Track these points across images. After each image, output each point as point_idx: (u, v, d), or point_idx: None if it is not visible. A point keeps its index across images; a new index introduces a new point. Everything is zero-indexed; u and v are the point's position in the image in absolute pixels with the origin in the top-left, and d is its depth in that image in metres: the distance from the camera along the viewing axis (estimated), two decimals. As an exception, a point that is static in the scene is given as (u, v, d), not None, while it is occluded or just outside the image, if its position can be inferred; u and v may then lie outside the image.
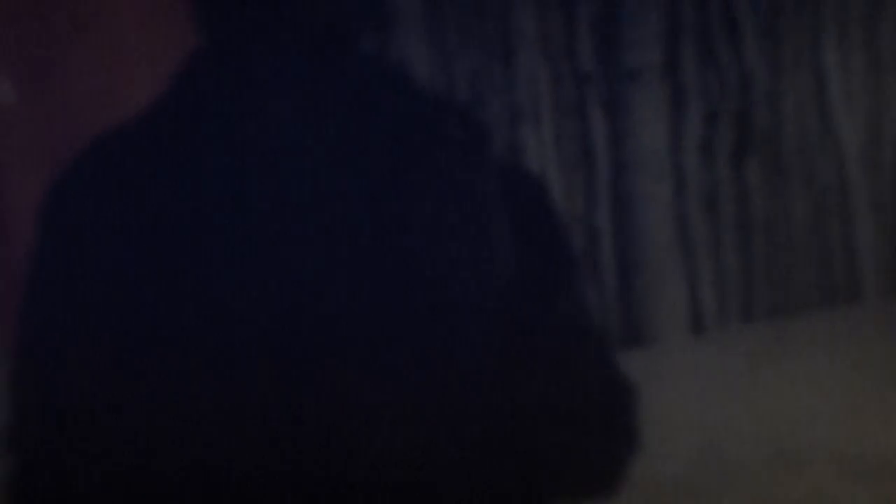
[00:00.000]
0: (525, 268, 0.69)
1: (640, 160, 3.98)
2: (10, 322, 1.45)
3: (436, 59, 3.83)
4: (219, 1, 0.70)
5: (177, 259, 0.69)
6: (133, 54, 2.00)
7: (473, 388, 0.69)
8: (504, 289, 0.66)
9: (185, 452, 0.69)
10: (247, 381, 0.69)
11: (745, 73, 3.93)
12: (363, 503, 0.69)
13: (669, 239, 4.07)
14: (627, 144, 3.97)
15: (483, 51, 3.85)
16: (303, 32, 0.68)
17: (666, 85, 3.91)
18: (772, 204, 4.11)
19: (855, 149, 3.99)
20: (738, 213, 4.10)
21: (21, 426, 0.77)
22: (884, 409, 3.35)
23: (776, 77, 3.93)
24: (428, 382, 0.68)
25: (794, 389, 3.58)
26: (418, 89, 0.77)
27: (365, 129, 0.68)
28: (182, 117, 0.72)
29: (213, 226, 0.69)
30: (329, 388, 0.69)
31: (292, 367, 0.68)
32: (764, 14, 3.84)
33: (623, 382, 0.80)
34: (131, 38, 2.01)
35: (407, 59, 3.73)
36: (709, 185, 4.05)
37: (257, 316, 0.68)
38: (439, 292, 0.65)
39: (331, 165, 0.67)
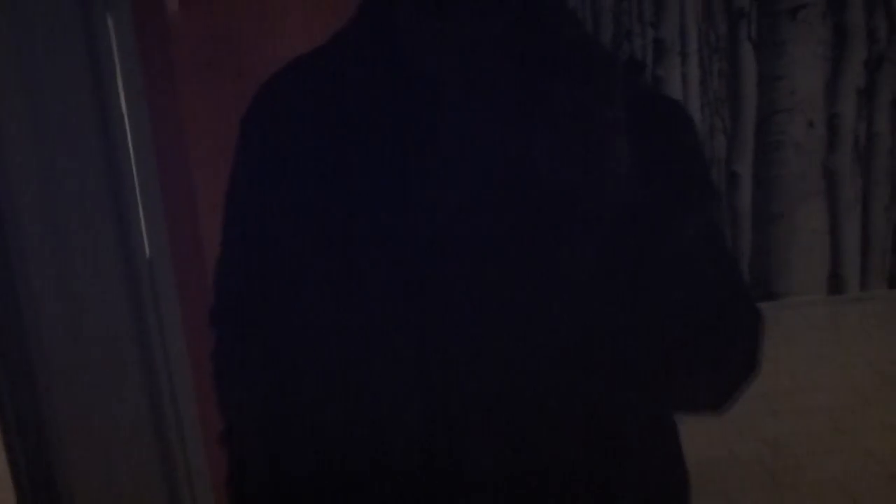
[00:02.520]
0: (656, 190, 0.71)
1: (791, 104, 3.76)
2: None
3: (582, -12, 3.73)
4: None
5: (362, 166, 0.76)
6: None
7: (591, 293, 0.71)
8: (626, 205, 0.68)
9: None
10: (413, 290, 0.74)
11: (919, 15, 3.62)
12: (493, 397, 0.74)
13: (815, 191, 3.86)
14: (779, 87, 3.76)
15: (631, -18, 3.71)
16: None
17: (828, 25, 3.66)
18: (933, 162, 3.82)
19: None
20: (894, 168, 3.83)
21: (221, 306, 0.88)
22: None
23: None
24: (548, 285, 0.71)
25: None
26: (564, 25, 0.80)
27: (512, 59, 0.72)
28: (369, 41, 0.79)
29: (397, 132, 0.75)
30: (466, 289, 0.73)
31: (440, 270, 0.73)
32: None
33: (749, 306, 0.80)
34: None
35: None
36: (864, 137, 3.80)
37: (411, 231, 0.73)
38: (564, 203, 0.68)
39: (482, 87, 0.72)
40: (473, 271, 0.75)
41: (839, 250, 3.97)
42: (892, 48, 3.67)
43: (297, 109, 0.84)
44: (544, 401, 0.77)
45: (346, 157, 0.79)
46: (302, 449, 0.86)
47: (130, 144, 1.58)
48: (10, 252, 1.30)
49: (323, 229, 0.79)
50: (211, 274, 0.94)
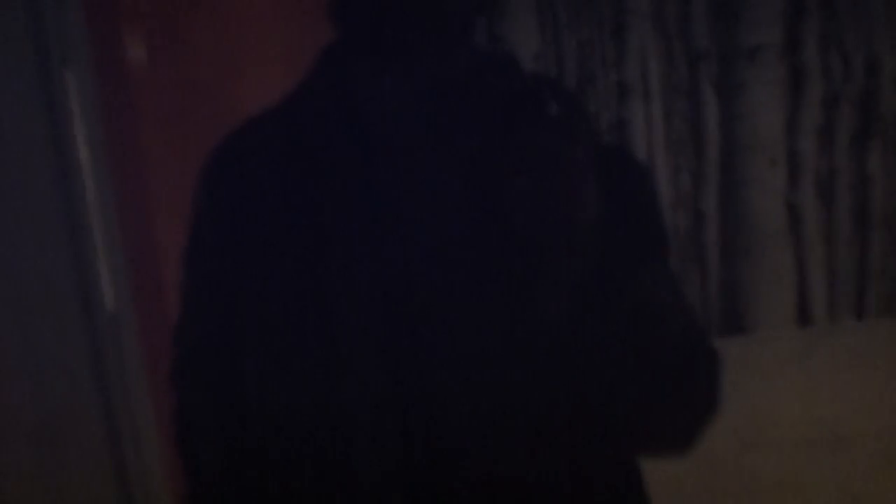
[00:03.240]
0: (615, 243, 0.73)
1: (753, 143, 3.83)
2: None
3: (546, 33, 3.79)
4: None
5: (316, 221, 0.76)
6: (259, 23, 2.07)
7: (558, 338, 0.72)
8: (589, 254, 0.70)
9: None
10: (363, 332, 0.74)
11: (871, 55, 3.73)
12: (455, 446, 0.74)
13: (780, 227, 3.91)
14: (740, 126, 3.83)
15: (594, 25, 3.78)
16: (420, 25, 0.74)
17: (785, 66, 3.75)
18: (892, 195, 3.90)
19: None
20: (856, 203, 3.90)
21: (181, 366, 0.87)
22: None
23: (906, 60, 3.71)
24: (512, 330, 0.72)
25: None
26: (521, 71, 0.83)
27: (472, 107, 0.74)
28: (322, 99, 0.80)
29: (350, 187, 0.76)
30: (435, 326, 0.73)
31: (403, 306, 0.73)
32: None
33: (706, 347, 0.81)
34: (261, 9, 2.08)
35: (518, 33, 3.70)
36: (825, 173, 3.87)
37: (387, 264, 0.74)
38: (536, 247, 0.70)
39: (441, 139, 0.73)
40: (445, 319, 0.75)
41: (806, 284, 4.02)
42: (847, 87, 3.76)
43: (255, 166, 0.84)
44: (511, 443, 0.77)
45: (308, 211, 0.79)
46: None
47: (91, 197, 1.57)
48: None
49: (286, 285, 0.79)
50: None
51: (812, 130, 3.80)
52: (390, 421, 0.75)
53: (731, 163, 3.86)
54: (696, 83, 3.80)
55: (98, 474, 1.60)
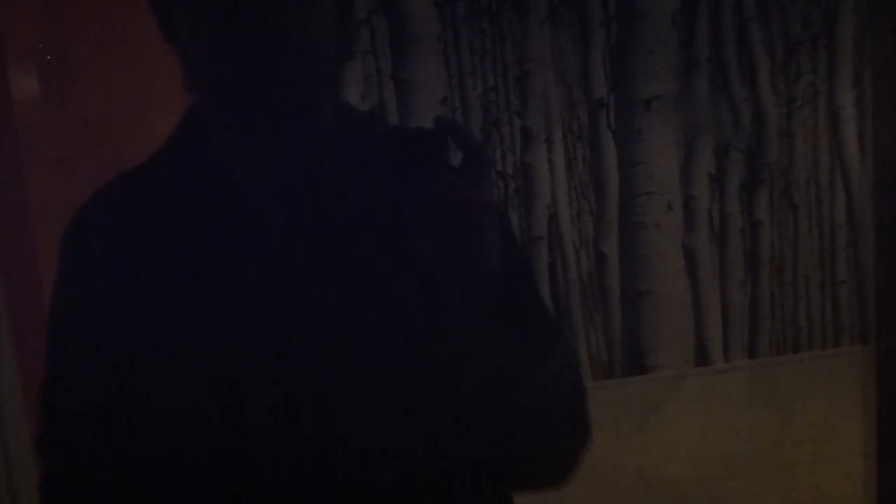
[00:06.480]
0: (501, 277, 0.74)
1: (651, 188, 3.97)
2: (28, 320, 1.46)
3: (452, 78, 3.85)
4: (208, 61, 0.76)
5: (185, 280, 0.74)
6: (153, 68, 2.02)
7: (463, 372, 0.73)
8: (491, 290, 0.71)
9: (189, 454, 0.73)
10: (251, 374, 0.73)
11: (759, 107, 3.93)
12: (353, 482, 0.73)
13: (677, 269, 4.05)
14: (638, 172, 3.97)
15: (498, 72, 3.87)
16: (289, 79, 0.74)
17: (678, 116, 3.92)
18: (780, 239, 4.10)
19: (866, 185, 3.99)
20: (747, 246, 4.08)
21: (49, 432, 0.83)
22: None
23: (789, 113, 3.93)
24: (422, 367, 0.72)
25: (795, 429, 3.55)
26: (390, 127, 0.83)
27: (371, 152, 0.74)
28: (187, 157, 0.79)
29: (219, 244, 0.75)
30: (335, 371, 0.72)
31: (301, 353, 0.72)
32: (780, 50, 3.86)
33: (575, 373, 0.83)
34: (153, 53, 2.03)
35: (424, 78, 3.75)
36: (718, 217, 4.05)
37: (267, 319, 0.72)
38: (436, 286, 0.70)
39: (340, 183, 0.73)
40: (343, 365, 0.74)
41: (702, 325, 4.16)
42: (736, 137, 3.95)
43: (119, 225, 0.82)
44: (394, 477, 0.76)
45: (179, 269, 0.78)
46: None
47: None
48: None
49: (158, 344, 0.77)
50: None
51: (705, 177, 3.97)
52: (287, 467, 0.73)
53: (631, 206, 3.99)
54: (596, 130, 3.93)
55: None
